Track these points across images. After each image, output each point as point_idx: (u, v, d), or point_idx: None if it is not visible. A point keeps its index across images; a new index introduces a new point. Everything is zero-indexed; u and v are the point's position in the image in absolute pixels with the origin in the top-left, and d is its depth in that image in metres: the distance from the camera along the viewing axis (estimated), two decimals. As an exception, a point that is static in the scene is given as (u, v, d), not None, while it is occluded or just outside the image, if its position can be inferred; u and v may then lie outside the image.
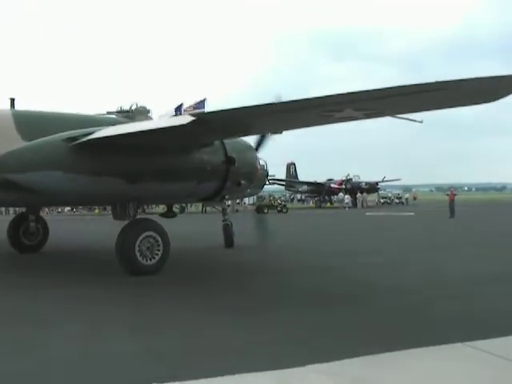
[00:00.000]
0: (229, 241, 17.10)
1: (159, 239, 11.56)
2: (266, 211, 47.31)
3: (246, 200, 63.81)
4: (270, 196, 54.25)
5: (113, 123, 12.15)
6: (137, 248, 11.20)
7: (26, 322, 7.44)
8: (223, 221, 17.34)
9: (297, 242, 19.83)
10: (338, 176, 66.27)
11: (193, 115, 9.27)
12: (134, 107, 14.11)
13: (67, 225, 30.41)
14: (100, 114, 14.18)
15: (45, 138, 10.84)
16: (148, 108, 14.48)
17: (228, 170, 13.04)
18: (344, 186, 63.37)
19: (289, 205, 62.52)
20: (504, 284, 10.26)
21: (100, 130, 10.63)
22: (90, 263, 14.21)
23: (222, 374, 5.11)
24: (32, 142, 10.92)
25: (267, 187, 74.18)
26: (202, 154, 12.44)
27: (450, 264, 13.19)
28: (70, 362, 5.60)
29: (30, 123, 11.81)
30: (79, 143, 10.45)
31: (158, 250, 11.52)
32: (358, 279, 11.05)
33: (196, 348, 6.11)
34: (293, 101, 7.78)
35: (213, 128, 10.50)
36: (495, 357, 5.55)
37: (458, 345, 5.99)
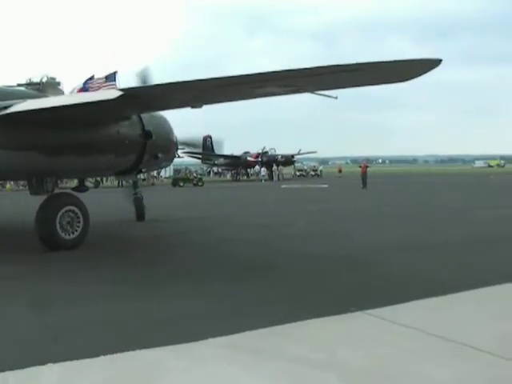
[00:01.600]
0: (140, 214, 17.07)
1: (79, 213, 11.46)
2: (181, 184, 47.14)
3: (163, 173, 63.40)
4: (185, 169, 54.08)
5: (24, 96, 11.76)
6: (57, 222, 11.04)
7: None
8: (134, 194, 17.20)
9: (210, 215, 19.66)
10: (255, 149, 66.61)
11: (121, 90, 9.18)
12: (44, 79, 13.62)
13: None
14: (9, 86, 13.54)
15: None
16: (58, 80, 14.02)
17: (145, 143, 13.03)
18: (260, 159, 63.74)
19: (205, 178, 62.48)
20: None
21: (19, 103, 10.27)
22: (5, 240, 13.81)
23: (122, 351, 4.96)
24: None
25: (185, 160, 73.63)
26: (120, 127, 12.34)
27: (356, 233, 13.56)
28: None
29: None
30: None
31: (79, 224, 11.43)
32: (271, 249, 11.30)
33: (104, 322, 6.00)
34: (225, 77, 8.05)
35: (139, 102, 10.49)
36: (394, 324, 5.69)
37: (358, 313, 6.12)
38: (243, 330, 5.48)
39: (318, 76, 7.83)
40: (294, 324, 5.71)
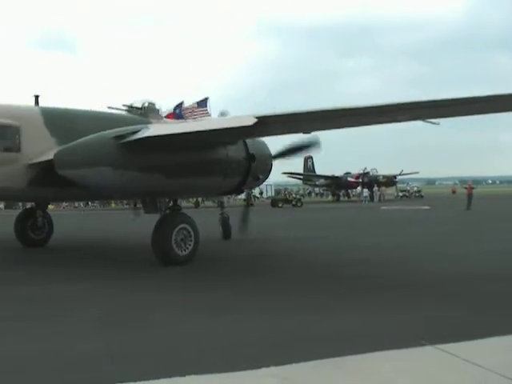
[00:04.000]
0: (227, 233, 17.31)
1: (191, 231, 12.12)
2: (280, 205, 47.12)
3: (264, 193, 63.99)
4: (284, 190, 54.11)
5: (136, 121, 12.76)
6: (173, 239, 11.69)
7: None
8: (221, 214, 17.58)
9: (310, 236, 19.39)
10: (356, 169, 65.49)
11: (256, 117, 9.54)
12: (146, 105, 14.52)
13: (92, 219, 30.91)
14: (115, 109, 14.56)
15: (94, 136, 11.17)
16: (158, 106, 14.86)
17: (250, 165, 13.56)
18: (361, 180, 62.55)
19: (306, 198, 62.19)
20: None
21: (147, 128, 11.04)
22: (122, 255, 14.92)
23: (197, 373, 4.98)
24: (82, 140, 11.17)
25: (289, 181, 74.37)
26: (229, 151, 12.93)
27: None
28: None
29: (58, 120, 12.39)
30: (128, 141, 10.73)
31: (191, 241, 12.08)
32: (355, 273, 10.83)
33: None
34: (360, 107, 8.68)
35: (266, 129, 11.05)
36: (461, 360, 5.21)
37: (428, 348, 5.64)
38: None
39: (442, 108, 8.37)
40: (352, 357, 5.35)
